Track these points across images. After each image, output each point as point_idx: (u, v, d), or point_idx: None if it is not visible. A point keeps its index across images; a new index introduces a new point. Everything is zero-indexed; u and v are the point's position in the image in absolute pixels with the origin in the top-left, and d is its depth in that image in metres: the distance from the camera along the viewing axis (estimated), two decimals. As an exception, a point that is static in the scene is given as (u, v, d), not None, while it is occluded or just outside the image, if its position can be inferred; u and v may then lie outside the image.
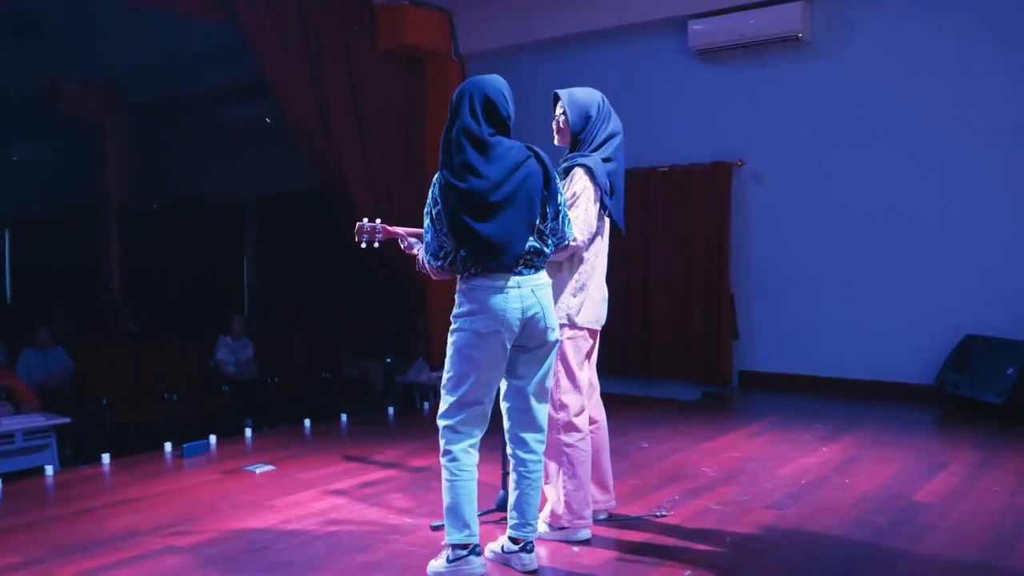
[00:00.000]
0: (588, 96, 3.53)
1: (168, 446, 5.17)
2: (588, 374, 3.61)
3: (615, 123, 3.54)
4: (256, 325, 10.15)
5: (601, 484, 3.67)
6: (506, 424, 3.18)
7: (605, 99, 3.54)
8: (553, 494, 3.46)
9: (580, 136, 3.52)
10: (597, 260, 3.50)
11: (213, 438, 5.42)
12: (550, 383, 3.20)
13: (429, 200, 2.99)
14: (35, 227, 13.69)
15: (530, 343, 3.07)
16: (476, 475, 3.03)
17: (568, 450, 3.43)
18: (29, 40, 10.69)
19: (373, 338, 9.35)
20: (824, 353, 7.14)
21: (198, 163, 11.95)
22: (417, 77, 8.89)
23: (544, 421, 3.18)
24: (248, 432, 5.64)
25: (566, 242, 3.20)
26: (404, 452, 5.19)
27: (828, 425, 5.77)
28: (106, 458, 4.97)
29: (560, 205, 3.14)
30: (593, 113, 3.51)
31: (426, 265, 3.07)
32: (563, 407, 3.43)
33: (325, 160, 8.03)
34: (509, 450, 3.18)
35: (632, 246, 7.86)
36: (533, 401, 3.13)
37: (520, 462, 3.14)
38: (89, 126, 12.19)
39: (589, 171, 3.41)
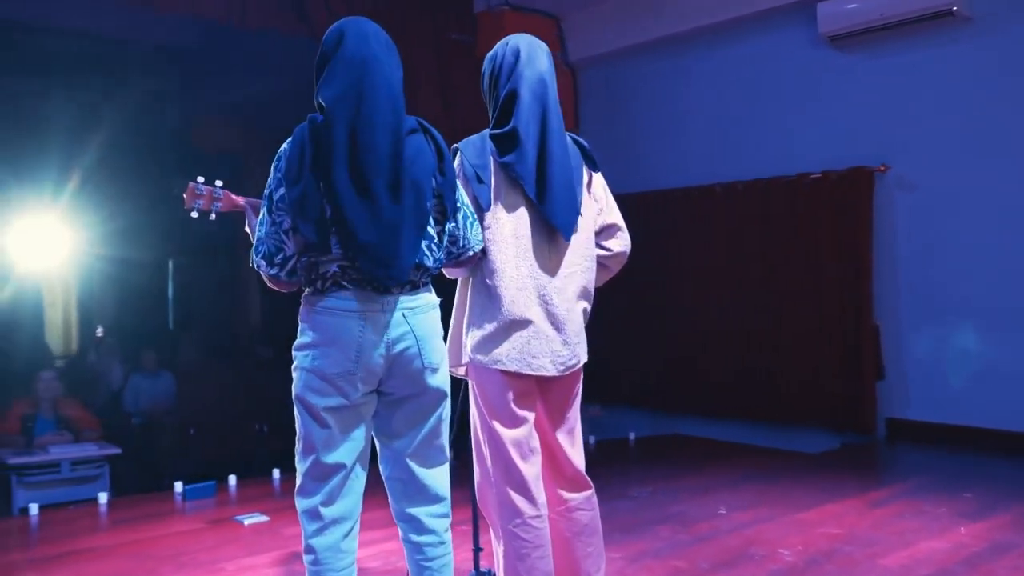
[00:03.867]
0: (499, 44, 2.60)
1: (179, 486, 4.69)
2: (556, 437, 2.61)
3: (520, 78, 2.50)
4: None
5: None
6: (390, 499, 2.34)
7: (518, 44, 2.54)
8: None
9: (486, 99, 2.63)
10: (512, 273, 2.47)
11: (233, 478, 4.91)
12: (440, 441, 2.31)
13: (270, 179, 2.17)
14: (192, 257, 14.12)
15: (401, 390, 2.22)
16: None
17: (512, 542, 2.49)
18: (170, 75, 11.00)
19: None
20: (993, 400, 5.71)
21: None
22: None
23: (441, 487, 2.31)
24: (276, 473, 5.08)
25: (470, 251, 2.36)
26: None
27: (982, 495, 4.46)
28: (103, 497, 4.56)
29: (459, 201, 2.30)
30: (488, 69, 2.58)
31: (258, 269, 2.24)
32: (495, 476, 2.51)
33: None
34: (400, 533, 2.33)
35: (752, 270, 6.76)
36: (416, 467, 2.27)
37: (414, 548, 2.29)
38: (230, 157, 12.44)
39: (458, 154, 2.52)
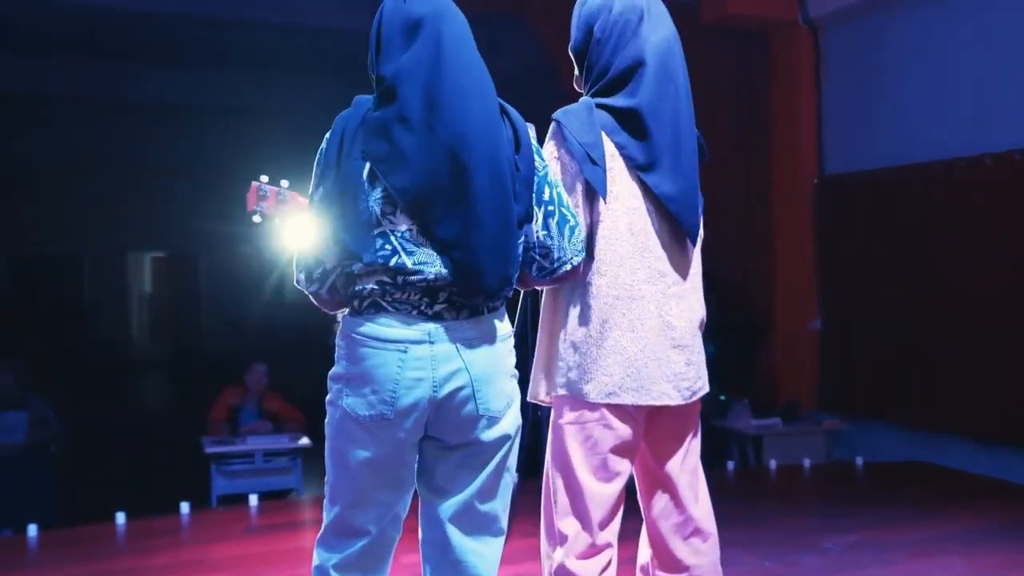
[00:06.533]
0: (599, 1, 2.05)
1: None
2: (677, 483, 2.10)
3: (645, 44, 2.00)
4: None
5: None
6: (422, 567, 1.91)
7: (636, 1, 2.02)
8: None
9: (583, 67, 2.09)
10: (626, 278, 1.98)
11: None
12: (491, 506, 1.85)
13: (314, 174, 1.85)
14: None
15: (451, 437, 1.82)
16: None
17: None
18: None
19: (711, 366, 7.93)
20: None
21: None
22: (757, 56, 7.23)
23: (485, 568, 1.85)
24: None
25: (567, 264, 1.87)
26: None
27: None
28: (253, 499, 4.49)
29: (551, 203, 1.85)
30: (595, 27, 2.03)
31: (298, 285, 1.92)
32: (561, 539, 2.00)
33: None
34: None
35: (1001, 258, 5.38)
36: (455, 536, 1.83)
37: None
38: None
39: (557, 128, 1.98)
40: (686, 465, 2.10)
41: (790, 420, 6.45)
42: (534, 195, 1.83)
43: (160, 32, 8.46)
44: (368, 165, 1.73)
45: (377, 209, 1.73)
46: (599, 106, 1.99)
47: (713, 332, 7.72)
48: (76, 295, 13.32)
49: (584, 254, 1.91)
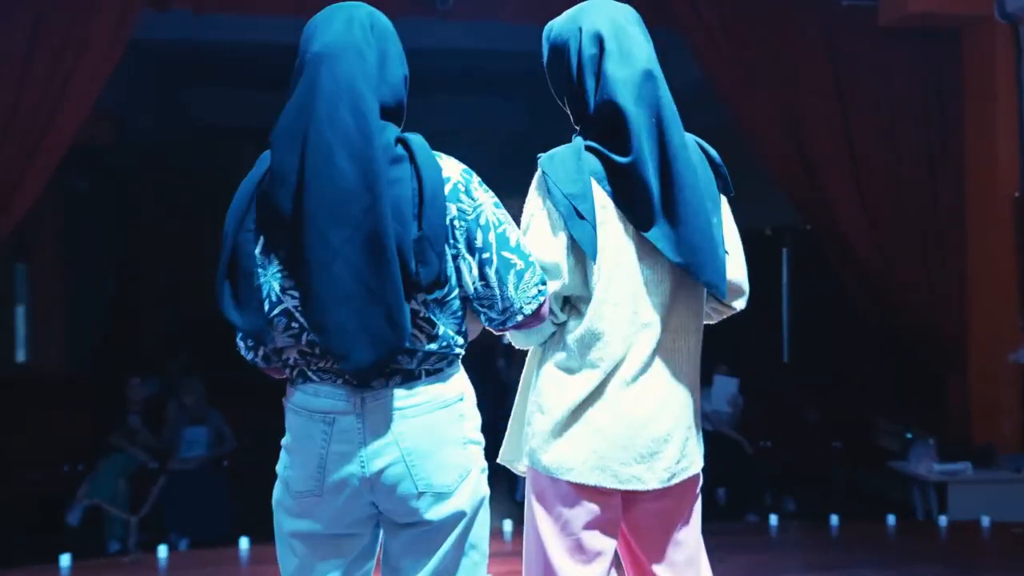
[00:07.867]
0: (566, 21, 1.85)
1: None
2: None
3: (614, 84, 1.76)
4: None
5: None
6: None
7: (596, 27, 1.79)
8: None
9: (565, 105, 1.90)
10: (618, 348, 1.76)
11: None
12: None
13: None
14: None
15: (397, 516, 1.68)
16: None
17: None
18: (514, 98, 10.71)
19: (898, 401, 7.28)
20: None
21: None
22: (945, 58, 6.48)
23: None
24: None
25: (516, 316, 1.67)
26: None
27: None
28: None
29: (483, 248, 1.64)
30: (562, 67, 1.84)
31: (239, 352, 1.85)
32: None
33: (799, 185, 6.32)
34: None
35: None
36: None
37: None
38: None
39: (541, 178, 1.78)
40: (676, 558, 1.85)
41: (983, 465, 5.71)
42: (462, 244, 1.64)
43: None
44: (263, 237, 1.63)
45: (276, 285, 1.62)
46: (589, 149, 1.78)
47: (895, 363, 7.09)
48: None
49: (541, 298, 1.67)
